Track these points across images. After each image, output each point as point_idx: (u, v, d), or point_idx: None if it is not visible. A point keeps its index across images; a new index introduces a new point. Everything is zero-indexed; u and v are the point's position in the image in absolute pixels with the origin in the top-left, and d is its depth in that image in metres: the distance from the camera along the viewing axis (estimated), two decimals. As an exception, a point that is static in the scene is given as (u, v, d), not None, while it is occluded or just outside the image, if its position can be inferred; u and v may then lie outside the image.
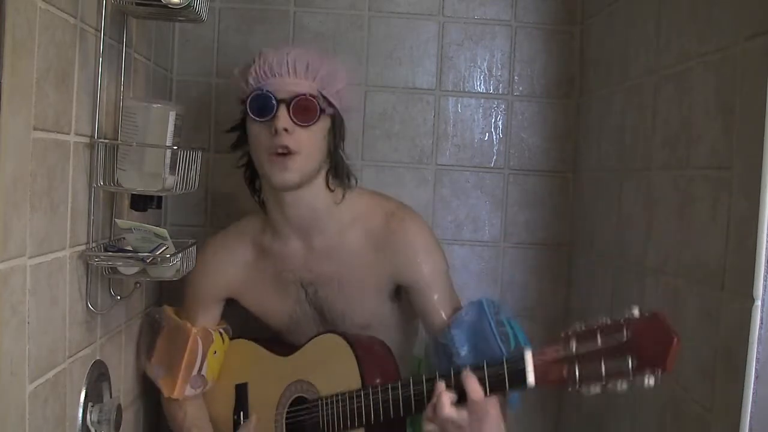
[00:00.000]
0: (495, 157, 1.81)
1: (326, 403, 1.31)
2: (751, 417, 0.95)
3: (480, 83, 1.80)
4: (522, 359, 1.07)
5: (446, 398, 1.12)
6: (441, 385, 1.14)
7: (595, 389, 0.99)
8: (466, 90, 1.80)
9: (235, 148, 1.42)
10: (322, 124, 1.34)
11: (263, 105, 1.30)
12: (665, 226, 1.25)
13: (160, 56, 1.61)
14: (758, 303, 0.94)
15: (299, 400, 1.38)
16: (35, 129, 0.93)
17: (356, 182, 1.44)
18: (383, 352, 1.36)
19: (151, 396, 1.59)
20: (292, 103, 1.29)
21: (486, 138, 1.81)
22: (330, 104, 1.35)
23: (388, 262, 1.40)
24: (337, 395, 1.29)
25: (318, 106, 1.31)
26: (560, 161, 1.81)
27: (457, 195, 1.81)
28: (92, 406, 1.15)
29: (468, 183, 1.81)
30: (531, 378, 1.05)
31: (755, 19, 0.98)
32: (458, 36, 1.79)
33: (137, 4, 1.14)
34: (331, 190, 1.39)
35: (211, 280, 1.49)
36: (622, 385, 0.96)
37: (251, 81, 1.32)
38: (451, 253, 1.79)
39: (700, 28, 1.15)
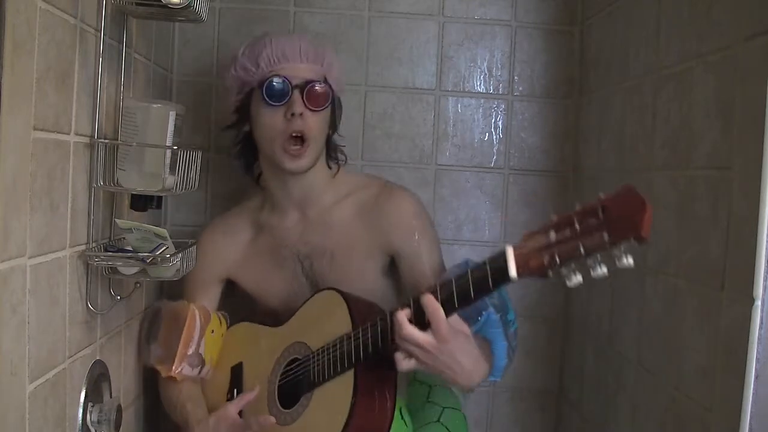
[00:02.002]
0: (495, 157, 1.81)
1: (316, 356, 1.31)
2: (751, 417, 0.95)
3: (480, 83, 1.80)
4: (503, 254, 1.05)
5: (403, 316, 1.12)
6: (401, 311, 1.13)
7: (577, 277, 0.96)
8: (466, 90, 1.80)
9: (233, 127, 1.46)
10: (328, 109, 1.41)
11: (279, 90, 1.35)
12: (665, 226, 1.25)
13: (160, 56, 1.61)
14: (758, 303, 0.94)
15: (293, 362, 1.38)
16: (35, 129, 0.94)
17: (345, 159, 1.51)
18: (375, 305, 1.35)
19: (151, 396, 1.59)
20: (307, 89, 1.35)
21: (486, 138, 1.81)
22: (332, 89, 1.41)
23: (377, 230, 1.43)
24: (327, 345, 1.29)
25: (328, 92, 1.38)
26: (560, 161, 1.81)
27: (457, 195, 1.81)
28: (92, 406, 1.15)
29: (468, 183, 1.81)
30: (513, 270, 1.03)
31: (755, 19, 0.98)
32: (458, 36, 1.79)
33: (137, 4, 1.14)
34: (329, 168, 1.47)
35: (210, 261, 1.51)
36: (602, 267, 0.93)
37: (263, 65, 1.36)
38: (451, 253, 1.79)
39: (700, 28, 1.15)
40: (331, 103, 1.41)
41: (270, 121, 1.36)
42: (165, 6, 1.12)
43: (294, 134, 1.35)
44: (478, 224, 1.81)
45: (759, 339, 0.94)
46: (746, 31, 1.00)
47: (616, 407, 1.45)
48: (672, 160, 1.24)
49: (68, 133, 1.06)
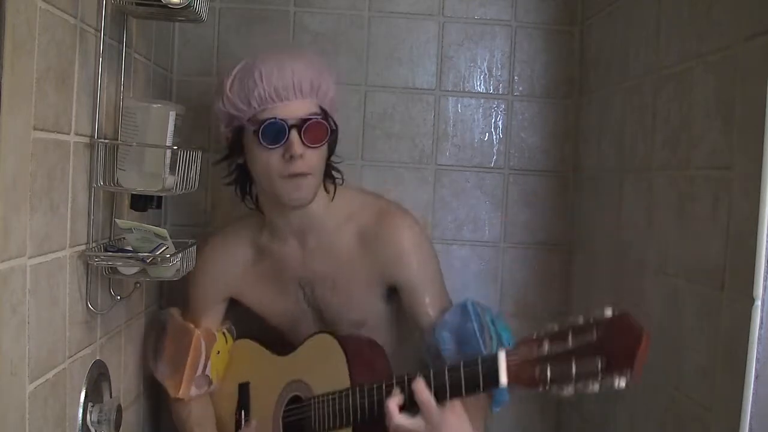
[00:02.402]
0: (495, 157, 1.81)
1: (318, 403, 1.33)
2: (751, 417, 0.95)
3: (480, 83, 1.80)
4: (495, 360, 1.06)
5: (393, 405, 1.14)
6: (392, 398, 1.15)
7: (568, 390, 0.98)
8: (466, 90, 1.80)
9: (225, 161, 1.43)
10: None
11: (276, 133, 1.29)
12: (665, 226, 1.25)
13: (160, 56, 1.61)
14: (758, 303, 0.94)
15: (295, 399, 1.40)
16: (35, 129, 0.94)
17: (342, 177, 1.46)
18: (374, 352, 1.37)
19: (151, 396, 1.59)
20: (304, 128, 1.30)
21: (486, 138, 1.81)
22: (329, 116, 1.36)
23: (377, 260, 1.41)
24: (327, 395, 1.30)
25: (326, 128, 1.33)
26: (560, 161, 1.81)
27: (457, 195, 1.81)
28: (92, 406, 1.15)
29: (468, 183, 1.81)
30: (504, 378, 1.05)
31: (755, 19, 0.98)
32: (458, 36, 1.79)
33: (137, 4, 1.14)
34: (327, 192, 1.43)
35: (213, 281, 1.50)
36: (593, 387, 0.96)
37: (254, 104, 1.29)
38: (451, 253, 1.79)
39: (700, 28, 1.15)
40: (330, 133, 1.36)
41: (267, 161, 1.31)
42: (165, 6, 1.12)
43: (294, 174, 1.31)
44: (478, 224, 1.81)
45: (759, 339, 0.94)
46: (746, 31, 1.00)
47: (616, 407, 1.45)
48: (672, 160, 1.24)
49: (68, 133, 1.06)
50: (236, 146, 1.37)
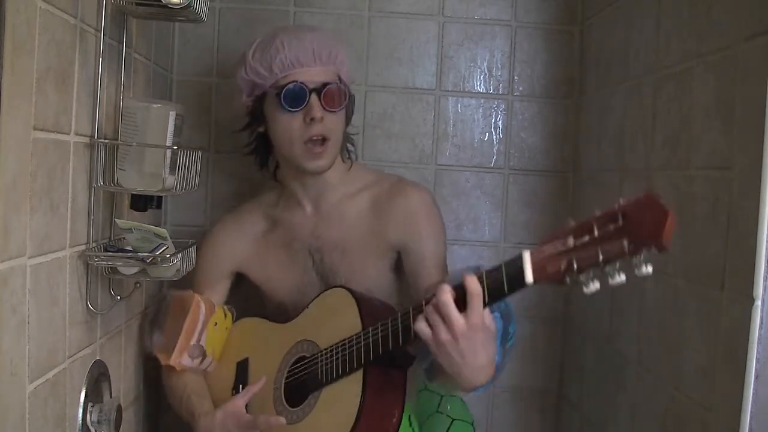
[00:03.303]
0: (495, 157, 1.81)
1: (325, 355, 1.30)
2: (751, 417, 0.95)
3: (480, 83, 1.80)
4: (520, 258, 1.02)
5: (447, 288, 1.07)
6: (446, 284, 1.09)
7: (594, 283, 0.93)
8: (466, 90, 1.80)
9: (246, 129, 1.47)
10: (344, 108, 1.41)
11: (297, 95, 1.35)
12: (665, 226, 1.25)
13: (160, 56, 1.61)
14: (758, 303, 0.94)
15: (300, 360, 1.38)
16: (35, 129, 0.94)
17: (354, 146, 1.51)
18: (385, 304, 1.36)
19: (151, 396, 1.59)
20: (323, 92, 1.36)
21: (486, 138, 1.81)
22: (346, 85, 1.42)
23: (389, 223, 1.43)
24: (336, 344, 1.28)
25: (344, 93, 1.39)
26: (560, 161, 1.81)
27: (457, 195, 1.81)
28: (92, 406, 1.15)
29: (468, 183, 1.81)
30: (529, 275, 1.00)
31: (755, 19, 0.98)
32: (458, 36, 1.79)
33: (137, 4, 1.14)
34: (344, 162, 1.48)
35: (220, 254, 1.52)
36: (620, 275, 0.91)
37: (276, 70, 1.35)
38: (452, 253, 1.78)
39: (700, 28, 1.15)
40: (346, 101, 1.42)
41: (289, 125, 1.36)
42: (165, 6, 1.12)
43: (315, 138, 1.36)
44: (478, 224, 1.81)
45: (759, 339, 0.94)
46: (746, 31, 1.00)
47: (616, 407, 1.45)
48: (672, 160, 1.24)
49: (68, 133, 1.06)
50: (257, 114, 1.43)
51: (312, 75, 1.36)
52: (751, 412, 0.95)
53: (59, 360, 1.05)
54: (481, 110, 1.81)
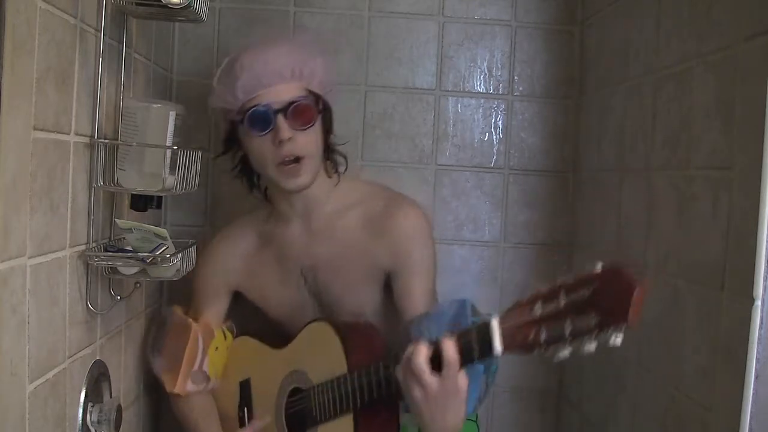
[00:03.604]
0: (495, 157, 1.81)
1: (316, 392, 1.32)
2: (751, 417, 0.95)
3: (480, 83, 1.80)
4: (488, 326, 1.03)
5: (423, 349, 1.09)
6: (422, 345, 1.11)
7: (563, 352, 0.94)
8: (466, 90, 1.80)
9: (225, 154, 1.45)
10: (318, 122, 1.36)
11: (262, 119, 1.31)
12: (665, 226, 1.25)
13: (160, 56, 1.61)
14: (758, 303, 0.94)
15: (296, 391, 1.39)
16: (35, 129, 0.94)
17: (345, 159, 1.47)
18: (369, 334, 1.36)
19: (151, 396, 1.59)
20: (289, 111, 1.31)
21: (486, 138, 1.81)
22: (317, 97, 1.37)
23: (380, 245, 1.40)
24: (326, 383, 1.30)
25: (313, 108, 1.34)
26: (560, 161, 1.81)
27: (457, 195, 1.81)
28: (92, 406, 1.15)
29: (468, 183, 1.81)
30: (498, 344, 1.02)
31: (755, 19, 0.98)
32: (458, 36, 1.79)
33: (137, 4, 1.14)
34: (329, 176, 1.44)
35: (216, 273, 1.52)
36: (589, 345, 0.92)
37: (240, 95, 1.32)
38: (451, 253, 1.79)
39: (700, 28, 1.15)
40: (320, 114, 1.37)
41: (259, 149, 1.33)
42: (165, 6, 1.12)
43: (287, 160, 1.32)
44: (478, 224, 1.81)
45: (759, 339, 0.94)
46: (746, 31, 1.00)
47: (616, 407, 1.45)
48: (672, 160, 1.24)
49: (68, 133, 1.06)
50: (233, 139, 1.40)
51: (276, 94, 1.31)
52: (751, 412, 0.95)
53: (59, 360, 1.05)
54: (481, 110, 1.81)
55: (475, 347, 1.05)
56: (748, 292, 0.95)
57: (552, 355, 0.96)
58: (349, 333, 1.32)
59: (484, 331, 1.04)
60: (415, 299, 1.39)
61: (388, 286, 1.45)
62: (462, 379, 1.09)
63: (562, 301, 0.95)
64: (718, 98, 1.08)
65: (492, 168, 1.81)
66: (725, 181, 1.04)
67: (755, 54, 0.97)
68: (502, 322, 1.03)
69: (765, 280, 0.94)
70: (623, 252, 1.45)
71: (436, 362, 1.08)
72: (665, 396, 1.21)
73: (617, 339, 0.90)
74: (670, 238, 1.22)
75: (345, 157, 1.48)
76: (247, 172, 1.46)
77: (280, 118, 1.31)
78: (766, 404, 0.94)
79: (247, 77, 1.30)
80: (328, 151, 1.44)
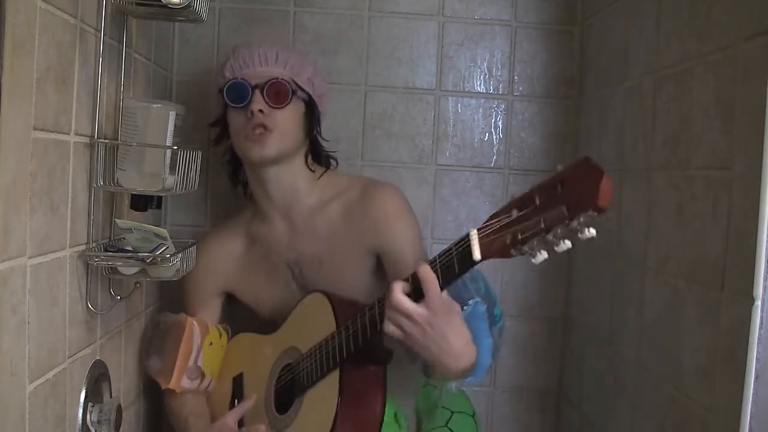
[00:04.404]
0: (495, 157, 1.81)
1: (305, 359, 1.33)
2: (751, 417, 0.95)
3: (480, 83, 1.80)
4: (467, 237, 1.05)
5: (399, 285, 1.09)
6: (397, 282, 1.11)
7: (541, 253, 0.95)
8: (466, 90, 1.80)
9: (218, 142, 1.49)
10: (296, 106, 1.40)
11: (239, 91, 1.37)
12: (665, 226, 1.25)
13: (160, 56, 1.61)
14: (758, 303, 0.94)
15: (286, 367, 1.40)
16: (35, 129, 0.93)
17: (336, 164, 1.51)
18: (358, 302, 1.35)
19: (151, 396, 1.59)
20: (266, 87, 1.37)
21: (486, 138, 1.81)
22: (302, 90, 1.41)
23: (363, 229, 1.42)
24: (314, 347, 1.31)
25: (289, 89, 1.38)
26: (560, 161, 1.80)
27: (457, 195, 1.81)
28: (92, 406, 1.15)
29: (468, 183, 1.81)
30: (477, 252, 1.02)
31: (755, 19, 0.98)
32: (458, 36, 1.79)
33: (137, 4, 1.14)
34: (311, 170, 1.46)
35: (207, 274, 1.52)
36: (565, 242, 0.92)
37: (227, 74, 1.40)
38: (451, 253, 1.79)
39: (700, 28, 1.15)
40: (304, 103, 1.41)
41: (235, 121, 1.39)
42: (165, 6, 1.12)
43: (257, 131, 1.35)
44: (478, 224, 1.80)
45: (759, 339, 0.94)
46: (746, 31, 1.00)
47: (616, 407, 1.45)
48: (672, 160, 1.24)
49: (68, 133, 1.06)
50: (223, 124, 1.44)
51: (257, 73, 1.38)
52: (751, 412, 0.95)
53: (59, 360, 1.05)
54: (481, 110, 1.81)
55: (454, 261, 1.06)
56: (748, 292, 0.95)
57: (530, 255, 0.95)
58: (341, 301, 1.33)
59: (464, 242, 1.05)
60: (409, 271, 1.39)
61: (379, 271, 1.46)
62: (447, 297, 1.10)
63: (537, 202, 0.96)
64: (718, 98, 1.08)
65: (492, 168, 1.81)
66: (725, 181, 1.04)
67: (755, 54, 0.97)
68: (479, 231, 1.03)
69: (765, 280, 0.94)
70: (623, 252, 1.45)
71: (420, 293, 1.08)
72: (665, 396, 1.21)
73: (590, 230, 0.90)
74: (670, 238, 1.22)
75: (336, 161, 1.50)
76: (234, 163, 1.51)
77: (257, 93, 1.36)
78: (766, 404, 0.94)
79: (235, 58, 1.40)
80: (314, 148, 1.47)
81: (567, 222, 0.91)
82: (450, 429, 1.42)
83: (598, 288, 1.62)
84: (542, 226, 0.93)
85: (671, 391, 1.19)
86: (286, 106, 1.37)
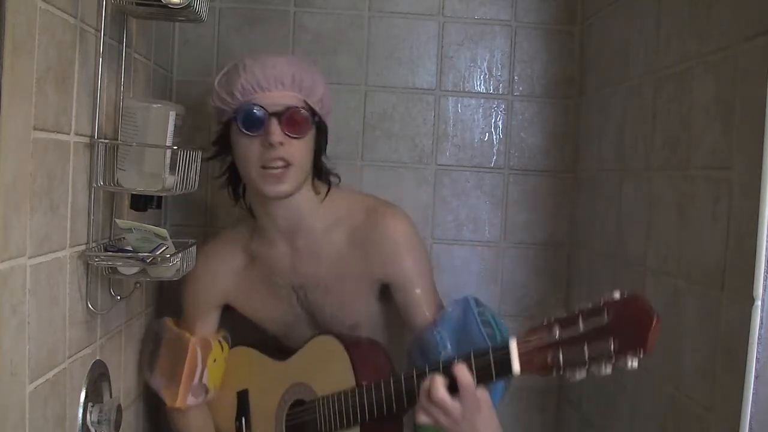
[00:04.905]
0: (495, 157, 1.81)
1: (322, 404, 1.33)
2: (751, 417, 0.95)
3: (480, 83, 1.80)
4: (507, 348, 1.08)
5: (439, 381, 1.12)
6: (437, 376, 1.14)
7: (580, 374, 0.99)
8: (466, 90, 1.80)
9: (215, 158, 1.42)
10: (311, 134, 1.35)
11: (254, 119, 1.29)
12: (665, 226, 1.25)
13: (160, 56, 1.61)
14: (758, 303, 0.94)
15: (298, 403, 1.39)
16: (35, 129, 0.93)
17: (339, 180, 1.45)
18: (376, 351, 1.37)
19: (151, 396, 1.59)
20: (284, 116, 1.30)
21: (486, 138, 1.81)
22: (314, 112, 1.35)
23: (370, 258, 1.39)
24: (332, 395, 1.31)
25: (309, 118, 1.32)
26: (560, 161, 1.81)
27: (457, 195, 1.81)
28: (92, 406, 1.15)
29: (468, 183, 1.81)
30: (516, 365, 1.07)
31: (755, 19, 0.98)
32: (458, 36, 1.79)
33: (137, 4, 1.14)
34: (317, 193, 1.41)
35: (206, 288, 1.50)
36: (606, 369, 0.97)
37: (238, 95, 1.31)
38: (451, 253, 1.79)
39: (700, 28, 1.15)
40: (315, 127, 1.35)
41: (247, 150, 1.30)
42: (165, 6, 1.12)
43: (275, 164, 1.29)
44: (478, 224, 1.81)
45: (759, 339, 0.94)
46: (746, 31, 1.00)
47: (616, 407, 1.45)
48: (672, 160, 1.24)
49: (68, 133, 1.06)
50: (224, 142, 1.37)
51: (273, 99, 1.30)
52: (751, 412, 0.95)
53: (59, 360, 1.05)
54: (481, 110, 1.81)
55: (492, 368, 1.09)
56: (748, 292, 0.95)
57: (568, 377, 1.00)
58: (356, 348, 1.33)
59: (503, 352, 1.08)
60: (421, 306, 1.40)
61: (384, 295, 1.45)
62: (482, 393, 1.13)
63: (581, 326, 0.99)
64: (718, 98, 1.08)
65: (492, 168, 1.81)
66: (725, 181, 1.04)
67: (755, 54, 0.97)
68: (519, 344, 1.07)
69: (765, 280, 0.94)
70: (623, 252, 1.45)
71: (454, 386, 1.12)
72: (665, 396, 1.21)
73: (634, 363, 0.95)
74: (670, 238, 1.22)
75: (338, 177, 1.45)
76: (234, 181, 1.43)
77: (274, 121, 1.29)
78: (766, 404, 0.94)
79: (246, 78, 1.30)
80: (318, 169, 1.41)
81: (612, 357, 0.96)
82: None
83: (598, 288, 1.61)
84: (586, 357, 0.98)
85: (671, 391, 1.19)
86: (304, 136, 1.32)
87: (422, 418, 1.14)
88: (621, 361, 0.95)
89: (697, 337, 1.10)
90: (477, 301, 1.37)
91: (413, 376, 1.19)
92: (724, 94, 1.06)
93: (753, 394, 0.95)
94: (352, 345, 1.33)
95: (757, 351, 0.94)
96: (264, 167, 1.30)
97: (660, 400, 1.23)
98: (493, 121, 1.80)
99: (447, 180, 1.81)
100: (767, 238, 0.93)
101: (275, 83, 1.31)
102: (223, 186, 1.46)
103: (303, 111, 1.32)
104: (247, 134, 1.30)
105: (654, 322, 0.93)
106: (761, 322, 0.94)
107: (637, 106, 1.40)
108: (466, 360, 1.12)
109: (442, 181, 1.81)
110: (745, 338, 0.95)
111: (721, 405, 1.02)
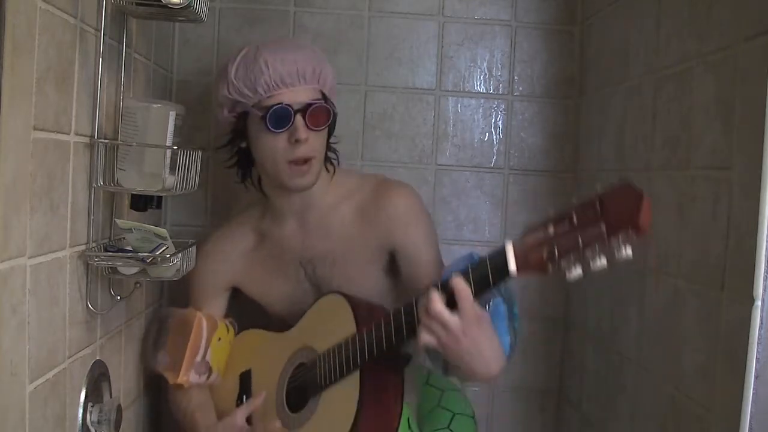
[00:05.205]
0: (495, 157, 1.81)
1: (322, 359, 1.32)
2: (751, 417, 0.95)
3: (480, 83, 1.80)
4: (503, 250, 1.06)
5: (437, 296, 1.11)
6: (434, 291, 1.13)
7: (576, 269, 0.96)
8: (466, 90, 1.80)
9: (228, 147, 1.44)
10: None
11: (282, 117, 1.33)
12: (665, 226, 1.25)
13: (160, 56, 1.61)
14: (758, 303, 0.94)
15: (300, 366, 1.39)
16: (35, 129, 0.94)
17: (338, 159, 1.48)
18: (378, 306, 1.37)
19: (151, 396, 1.59)
20: (308, 112, 1.34)
21: (486, 138, 1.81)
22: (331, 102, 1.40)
23: (377, 228, 1.41)
24: (332, 348, 1.30)
25: (328, 111, 1.37)
26: (560, 161, 1.81)
27: (457, 195, 1.81)
28: (92, 406, 1.15)
29: (468, 183, 1.81)
30: (512, 265, 1.04)
31: (755, 19, 0.98)
32: (458, 36, 1.79)
33: (137, 4, 1.14)
34: (327, 171, 1.45)
35: (214, 270, 1.52)
36: (601, 259, 0.94)
37: (261, 90, 1.33)
38: (451, 253, 1.78)
39: (700, 28, 1.15)
40: (331, 118, 1.39)
41: (273, 145, 1.34)
42: (165, 6, 1.12)
43: (299, 159, 1.34)
44: (478, 224, 1.81)
45: (759, 339, 0.94)
46: (746, 31, 1.00)
47: (616, 407, 1.45)
48: (672, 160, 1.24)
49: (68, 133, 1.06)
50: (240, 131, 1.40)
51: (296, 95, 1.34)
52: (751, 412, 0.95)
53: (59, 360, 1.05)
54: (481, 110, 1.81)
55: (489, 273, 1.07)
56: (748, 292, 0.95)
57: (565, 272, 0.97)
58: (360, 302, 1.33)
59: (499, 254, 1.06)
60: (425, 273, 1.39)
61: (392, 270, 1.46)
62: (479, 307, 1.11)
63: (574, 219, 0.97)
64: (718, 98, 1.08)
65: (492, 168, 1.81)
66: (725, 181, 1.04)
67: (755, 54, 0.97)
68: (515, 245, 1.05)
69: (765, 280, 0.94)
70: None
71: (453, 302, 1.10)
72: (665, 396, 1.21)
73: (627, 251, 0.92)
74: (670, 238, 1.22)
75: (337, 155, 1.48)
76: (244, 164, 1.47)
77: (299, 118, 1.33)
78: (766, 404, 0.94)
79: (270, 74, 1.32)
80: (327, 149, 1.45)
81: (605, 240, 0.93)
82: (452, 430, 1.42)
83: (598, 288, 1.61)
84: (580, 242, 0.95)
85: (671, 391, 1.19)
86: (324, 128, 1.37)
87: (425, 337, 1.13)
88: (614, 244, 0.92)
89: (697, 337, 1.10)
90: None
91: (413, 303, 1.17)
92: (724, 94, 1.07)
93: (753, 394, 0.95)
94: (355, 301, 1.33)
95: (757, 351, 0.94)
96: (291, 163, 1.34)
97: (660, 400, 1.23)
98: (493, 121, 1.81)
99: (447, 180, 1.81)
100: (767, 238, 0.93)
101: (298, 78, 1.34)
102: (231, 167, 1.48)
103: (323, 104, 1.36)
104: (273, 131, 1.33)
105: (643, 201, 0.90)
106: (761, 322, 0.94)
107: (637, 106, 1.40)
108: (463, 273, 1.10)
109: (442, 181, 1.81)
110: (745, 338, 0.95)
111: (721, 405, 1.02)
